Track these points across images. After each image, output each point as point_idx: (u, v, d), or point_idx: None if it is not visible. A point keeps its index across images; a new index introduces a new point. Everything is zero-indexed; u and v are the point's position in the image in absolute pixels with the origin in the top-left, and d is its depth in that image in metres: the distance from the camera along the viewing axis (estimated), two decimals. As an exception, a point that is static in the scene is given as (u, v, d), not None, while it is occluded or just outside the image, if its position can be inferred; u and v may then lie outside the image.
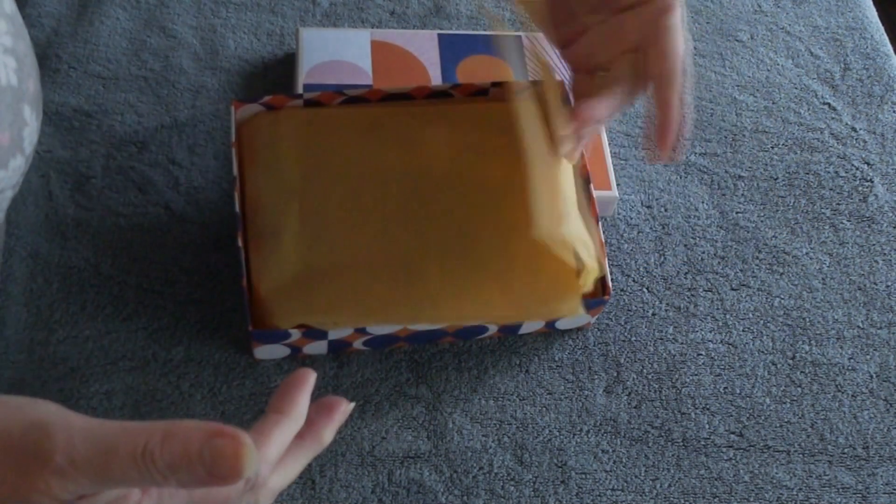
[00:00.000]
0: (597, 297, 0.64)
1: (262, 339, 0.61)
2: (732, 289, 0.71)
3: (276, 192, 0.64)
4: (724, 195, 0.76)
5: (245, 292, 0.60)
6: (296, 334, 0.60)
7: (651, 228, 0.73)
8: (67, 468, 0.37)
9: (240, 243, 0.61)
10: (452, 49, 0.77)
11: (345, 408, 0.47)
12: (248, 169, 0.65)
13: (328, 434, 0.46)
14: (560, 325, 0.66)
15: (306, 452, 0.46)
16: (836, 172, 0.78)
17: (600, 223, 0.66)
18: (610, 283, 0.64)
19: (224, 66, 0.78)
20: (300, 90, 0.73)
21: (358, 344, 0.64)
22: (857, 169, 0.78)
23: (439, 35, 0.78)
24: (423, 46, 0.77)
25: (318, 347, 0.63)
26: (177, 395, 0.63)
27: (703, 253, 0.73)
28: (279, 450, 0.43)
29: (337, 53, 0.76)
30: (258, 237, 0.62)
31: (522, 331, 0.66)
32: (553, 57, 0.65)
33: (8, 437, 0.37)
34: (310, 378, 0.45)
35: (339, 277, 0.61)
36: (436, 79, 0.75)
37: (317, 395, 0.64)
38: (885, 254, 0.74)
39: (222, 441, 0.36)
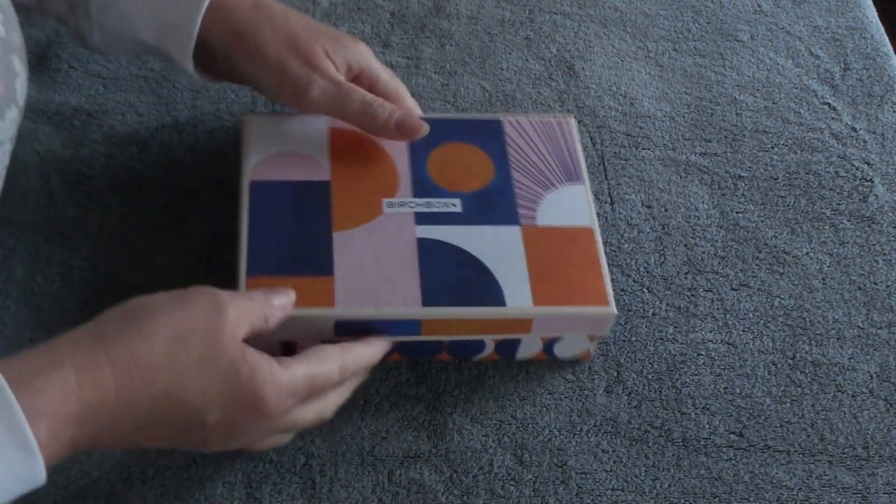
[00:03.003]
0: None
1: None
2: (732, 289, 0.71)
3: None
4: (724, 195, 0.76)
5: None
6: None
7: (651, 228, 0.73)
8: None
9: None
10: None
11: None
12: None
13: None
14: (559, 352, 0.66)
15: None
16: (836, 172, 0.78)
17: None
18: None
19: (224, 66, 0.77)
20: (246, 187, 0.64)
21: None
22: (857, 169, 0.78)
23: None
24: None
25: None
26: (177, 395, 0.63)
27: (703, 253, 0.73)
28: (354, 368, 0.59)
29: (289, 143, 0.67)
30: None
31: (520, 355, 0.66)
32: None
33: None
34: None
35: None
36: (403, 170, 0.66)
37: (317, 395, 0.63)
38: (885, 254, 0.74)
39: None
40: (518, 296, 0.61)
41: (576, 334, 0.63)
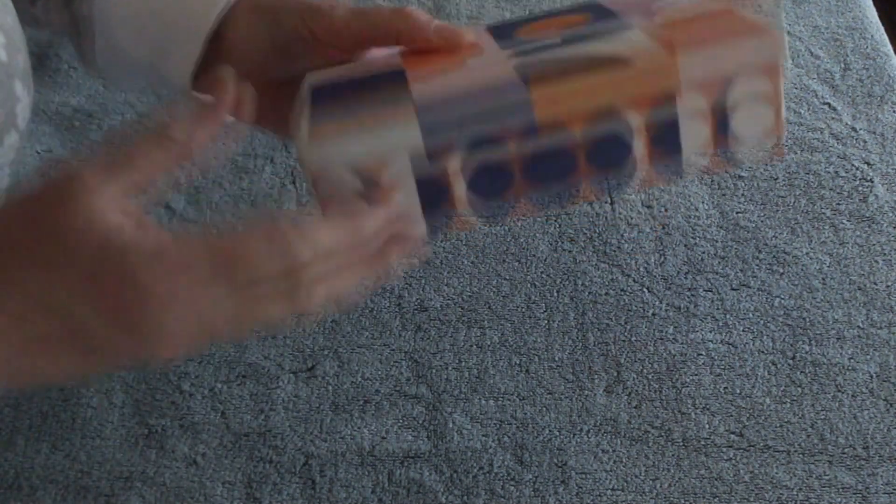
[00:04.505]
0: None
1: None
2: (732, 289, 0.71)
3: None
4: (724, 195, 0.76)
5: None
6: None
7: (651, 228, 0.73)
8: None
9: None
10: None
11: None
12: None
13: None
14: (738, 129, 0.48)
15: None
16: (836, 172, 0.78)
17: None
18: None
19: (224, 66, 0.77)
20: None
21: (460, 189, 0.48)
22: (857, 169, 0.78)
23: None
24: None
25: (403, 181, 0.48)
26: (177, 394, 0.63)
27: (703, 253, 0.73)
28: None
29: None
30: None
31: (687, 147, 0.48)
32: None
33: None
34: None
35: None
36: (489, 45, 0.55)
37: (317, 397, 0.64)
38: (885, 254, 0.74)
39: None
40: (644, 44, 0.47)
41: (744, 83, 0.48)
